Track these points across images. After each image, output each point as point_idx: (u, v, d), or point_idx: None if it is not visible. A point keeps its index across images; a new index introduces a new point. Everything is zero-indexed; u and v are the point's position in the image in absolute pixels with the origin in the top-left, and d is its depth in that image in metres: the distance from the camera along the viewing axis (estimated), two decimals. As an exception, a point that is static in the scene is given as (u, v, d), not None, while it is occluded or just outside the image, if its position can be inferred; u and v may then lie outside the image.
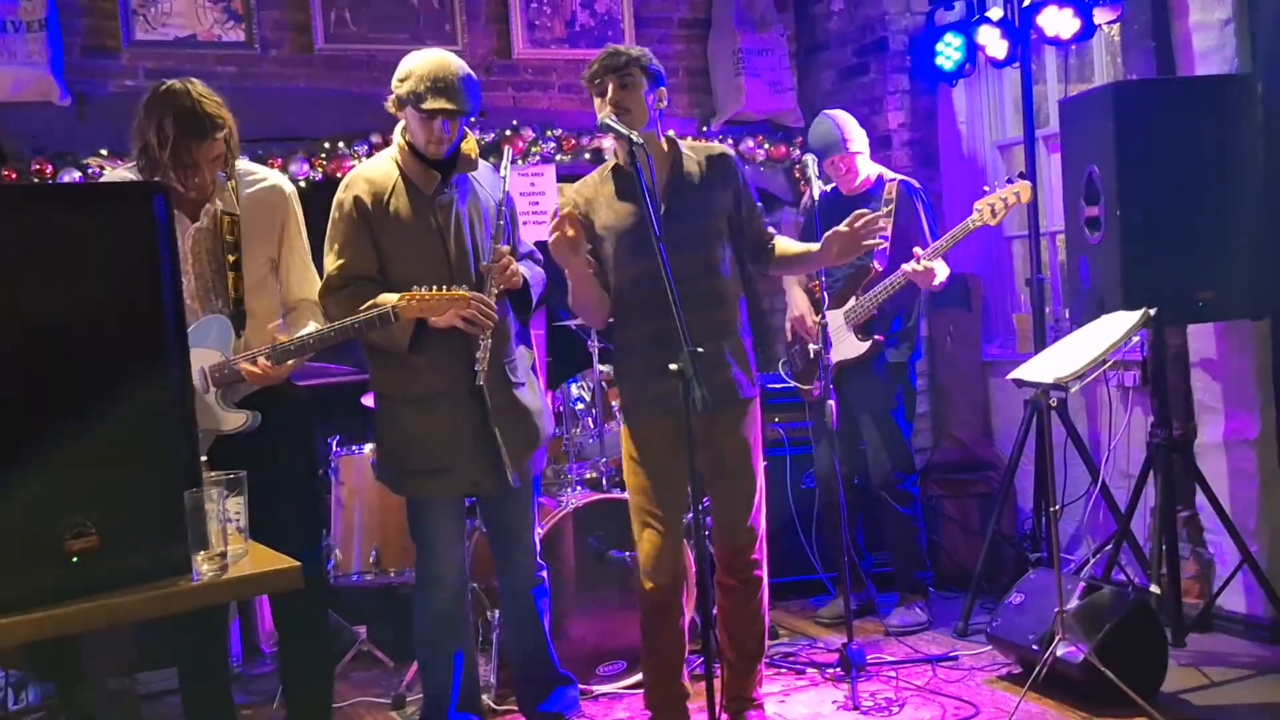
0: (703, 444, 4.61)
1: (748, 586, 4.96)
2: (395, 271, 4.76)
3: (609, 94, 4.72)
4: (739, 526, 4.90)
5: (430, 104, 4.62)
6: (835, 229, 4.86)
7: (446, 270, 4.73)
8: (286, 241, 4.73)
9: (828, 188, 6.59)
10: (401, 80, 4.70)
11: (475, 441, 4.80)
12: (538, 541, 5.16)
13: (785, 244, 5.15)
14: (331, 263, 4.78)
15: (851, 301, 6.42)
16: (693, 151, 4.99)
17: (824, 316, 5.72)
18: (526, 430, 4.95)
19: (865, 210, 4.91)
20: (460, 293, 4.51)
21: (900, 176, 6.63)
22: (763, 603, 5.03)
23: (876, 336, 6.44)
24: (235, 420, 4.41)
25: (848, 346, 6.40)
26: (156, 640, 4.94)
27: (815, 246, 5.01)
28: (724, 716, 4.86)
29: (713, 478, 4.90)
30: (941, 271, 6.28)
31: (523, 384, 4.98)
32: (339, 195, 4.84)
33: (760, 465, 4.96)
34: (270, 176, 4.76)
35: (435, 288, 4.49)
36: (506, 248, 4.79)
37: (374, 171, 4.86)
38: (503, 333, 4.87)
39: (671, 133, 5.01)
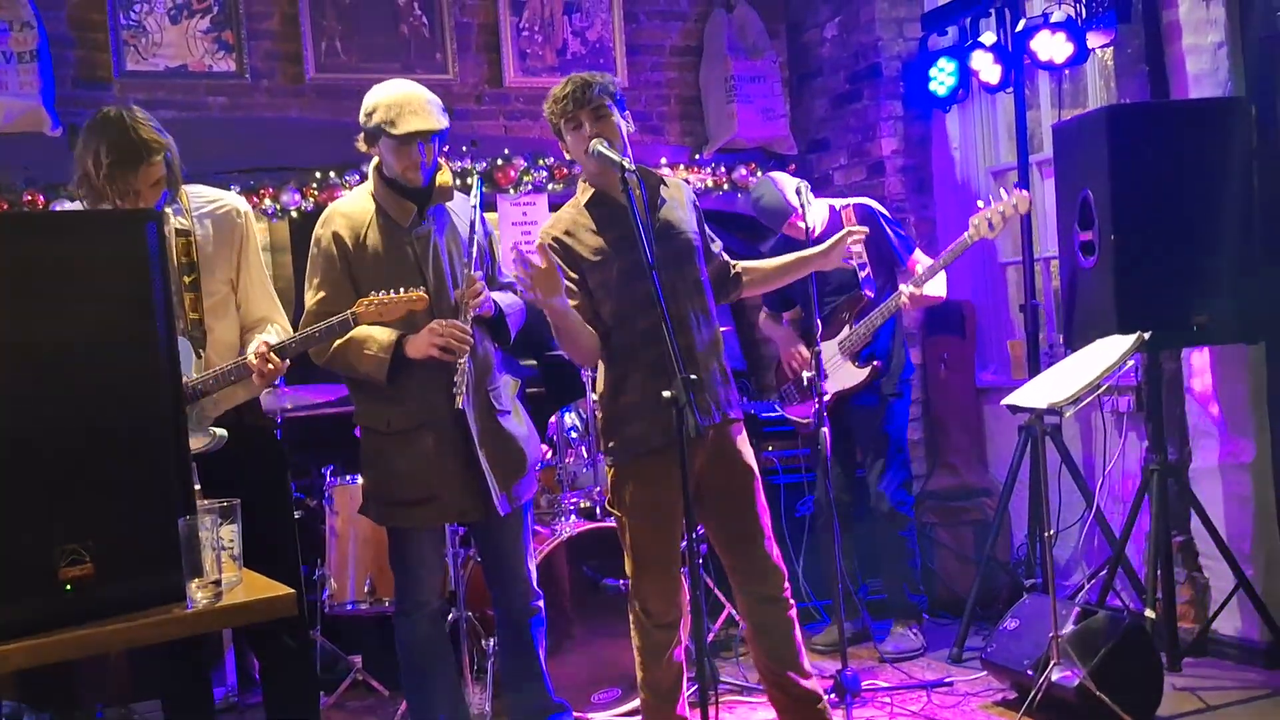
0: (705, 475, 4.65)
1: (786, 608, 4.89)
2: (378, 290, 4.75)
3: (585, 128, 4.69)
4: (759, 561, 4.84)
5: (403, 127, 4.68)
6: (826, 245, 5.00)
7: (426, 289, 4.74)
8: (244, 261, 4.72)
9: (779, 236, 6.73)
10: (370, 114, 4.77)
11: (461, 470, 4.82)
12: (533, 570, 5.17)
13: (756, 263, 5.20)
14: (311, 298, 4.84)
15: (845, 330, 6.45)
16: (653, 174, 4.97)
17: (818, 346, 5.75)
18: (512, 456, 4.97)
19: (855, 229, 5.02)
20: (418, 294, 4.54)
21: (852, 201, 6.67)
22: (798, 639, 4.94)
23: (876, 363, 6.47)
24: (200, 441, 4.36)
25: (845, 374, 6.43)
26: (152, 669, 4.94)
27: (790, 258, 5.13)
28: None
29: (720, 514, 4.85)
30: (937, 288, 6.33)
31: (507, 411, 5.01)
32: (317, 231, 4.90)
33: (761, 490, 4.92)
34: (225, 198, 4.75)
35: (391, 291, 4.52)
36: (478, 274, 4.82)
37: (350, 207, 4.93)
38: (484, 361, 4.92)
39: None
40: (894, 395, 6.61)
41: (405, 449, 4.84)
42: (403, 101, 4.74)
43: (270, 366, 4.41)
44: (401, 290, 4.53)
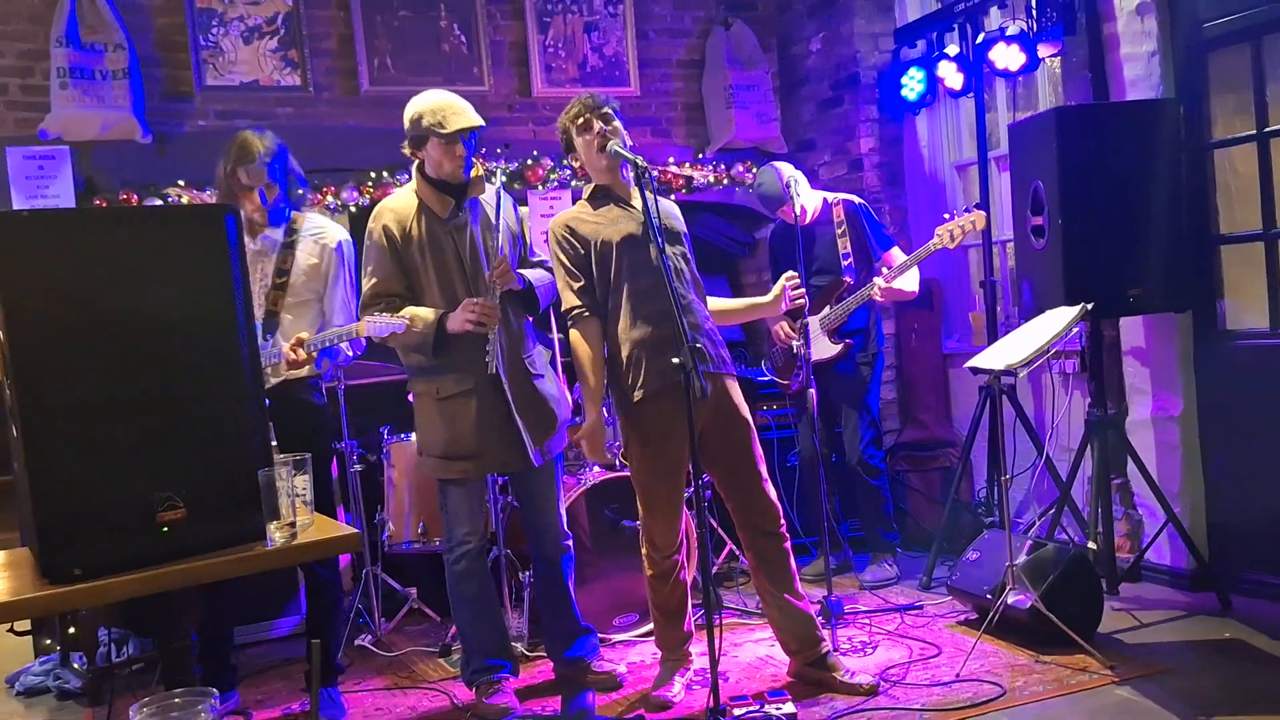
0: (708, 429, 4.73)
1: (780, 557, 4.98)
2: (419, 286, 4.88)
3: (594, 127, 4.80)
4: (757, 500, 4.93)
5: (452, 125, 4.74)
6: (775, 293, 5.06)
7: (463, 281, 4.84)
8: (332, 281, 5.07)
9: (776, 220, 6.75)
10: (416, 120, 4.80)
11: (501, 428, 4.86)
12: (563, 514, 5.21)
13: (716, 302, 5.18)
14: (366, 283, 4.91)
15: (826, 310, 6.47)
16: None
17: (806, 319, 5.78)
18: (545, 415, 5.00)
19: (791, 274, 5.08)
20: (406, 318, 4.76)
21: (842, 196, 6.69)
22: (793, 567, 5.03)
23: (848, 340, 6.50)
24: None
25: (823, 347, 6.45)
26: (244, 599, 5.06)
27: (742, 304, 5.37)
28: (800, 667, 5.08)
29: (723, 462, 4.93)
30: (909, 284, 6.36)
31: (541, 375, 5.04)
32: (370, 225, 4.94)
33: (756, 438, 4.97)
34: (329, 229, 5.15)
35: (389, 315, 4.75)
36: (504, 255, 4.85)
37: (397, 203, 4.96)
38: (517, 332, 4.96)
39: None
40: (867, 365, 6.64)
41: (452, 413, 4.88)
42: (445, 105, 4.79)
43: (296, 356, 4.78)
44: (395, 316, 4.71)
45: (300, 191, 5.10)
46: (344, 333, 4.83)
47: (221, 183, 4.95)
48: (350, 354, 5.10)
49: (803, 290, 5.09)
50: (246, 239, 4.57)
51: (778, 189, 6.39)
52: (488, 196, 5.02)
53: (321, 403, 5.17)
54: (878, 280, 6.29)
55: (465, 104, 4.84)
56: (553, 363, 5.29)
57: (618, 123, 4.85)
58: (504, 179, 7.25)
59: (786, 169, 6.46)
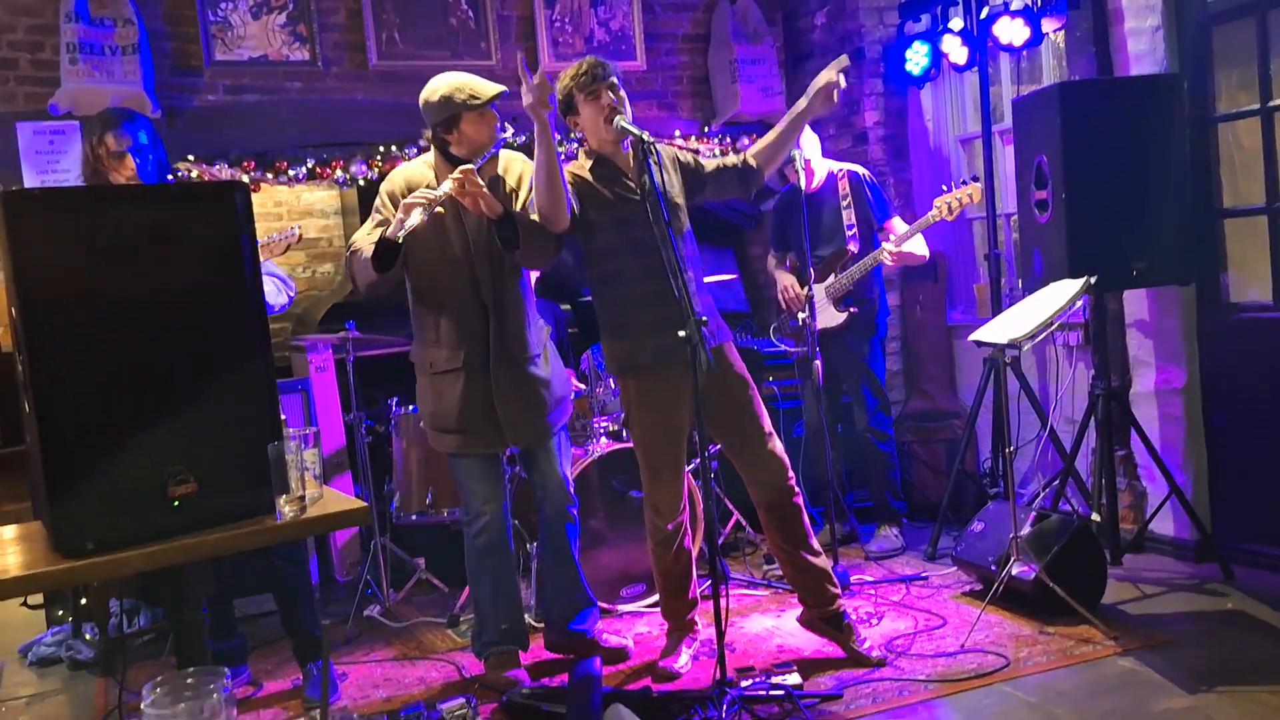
0: (708, 393, 4.59)
1: (792, 513, 4.97)
2: (421, 247, 4.73)
3: (602, 98, 4.75)
4: (765, 457, 4.91)
5: (486, 94, 4.69)
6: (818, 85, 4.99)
7: (467, 246, 4.77)
8: None
9: (784, 186, 6.70)
10: (445, 100, 4.71)
11: (484, 410, 4.83)
12: (570, 481, 5.17)
13: (758, 143, 5.14)
14: (367, 227, 4.81)
15: (831, 278, 6.45)
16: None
17: (811, 288, 5.77)
18: (534, 399, 4.90)
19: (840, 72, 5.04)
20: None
21: (847, 167, 6.67)
22: (806, 523, 5.02)
23: (852, 309, 6.48)
24: None
25: (828, 316, 6.44)
26: (253, 571, 5.03)
27: (786, 118, 5.07)
28: (817, 624, 5.12)
29: (726, 424, 4.92)
30: (919, 248, 6.34)
31: (536, 355, 4.94)
32: (383, 187, 4.88)
33: (757, 396, 4.97)
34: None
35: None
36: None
37: (411, 171, 4.91)
38: (514, 311, 4.87)
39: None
40: (872, 334, 6.63)
41: (441, 388, 4.88)
42: (466, 80, 4.74)
43: None
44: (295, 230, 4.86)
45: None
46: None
47: (89, 161, 4.79)
48: (285, 300, 5.06)
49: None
50: None
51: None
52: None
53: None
54: (886, 245, 6.28)
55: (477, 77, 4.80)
56: (554, 338, 5.23)
57: (623, 93, 4.82)
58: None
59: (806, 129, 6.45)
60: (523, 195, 4.87)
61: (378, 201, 4.86)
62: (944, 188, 6.18)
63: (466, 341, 4.80)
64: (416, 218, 4.46)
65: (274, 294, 5.00)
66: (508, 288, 4.86)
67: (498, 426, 4.85)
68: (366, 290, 4.75)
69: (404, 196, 4.66)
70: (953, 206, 6.08)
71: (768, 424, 4.95)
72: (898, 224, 6.49)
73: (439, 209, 4.58)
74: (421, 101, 4.79)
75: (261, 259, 4.63)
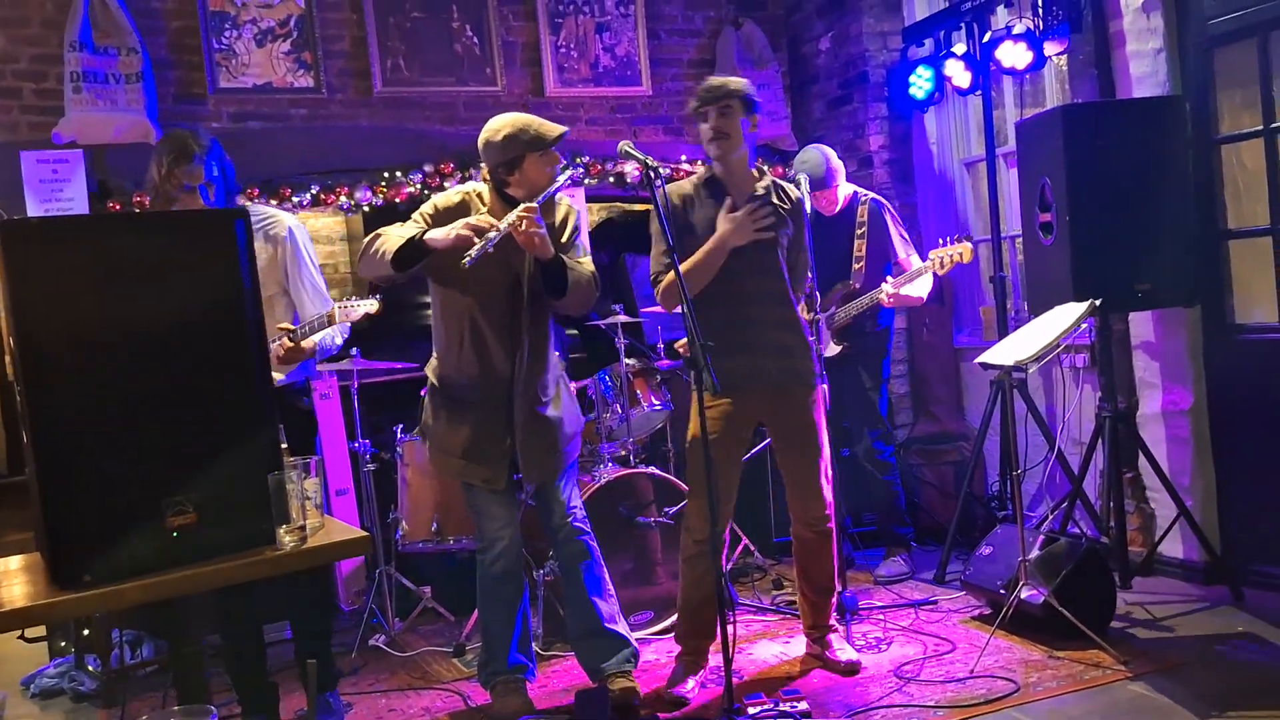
0: (774, 420, 5.04)
1: (820, 537, 5.10)
2: (468, 274, 4.46)
3: (710, 120, 4.87)
4: (811, 491, 5.02)
5: (552, 134, 4.64)
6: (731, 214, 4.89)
7: (517, 286, 4.68)
8: (292, 273, 4.82)
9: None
10: (510, 139, 4.60)
11: (494, 445, 4.76)
12: (575, 507, 5.01)
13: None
14: (404, 227, 4.67)
15: (833, 309, 6.43)
16: (774, 180, 5.14)
17: (818, 313, 5.74)
18: (545, 440, 4.82)
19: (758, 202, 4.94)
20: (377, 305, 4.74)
21: (870, 195, 6.62)
22: (834, 551, 5.16)
23: (845, 344, 6.47)
24: None
25: (827, 347, 6.40)
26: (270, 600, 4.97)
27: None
28: (807, 640, 5.27)
29: (784, 454, 5.09)
30: (918, 290, 6.31)
31: (549, 398, 4.85)
32: (435, 198, 4.79)
33: (822, 437, 5.04)
34: (278, 218, 4.87)
35: (358, 300, 4.70)
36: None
37: (452, 198, 4.78)
38: (539, 353, 4.80)
39: (760, 162, 5.09)
40: (878, 363, 6.63)
41: (456, 414, 4.80)
42: (530, 120, 4.68)
43: (287, 347, 4.60)
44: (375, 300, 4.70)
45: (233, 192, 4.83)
46: (325, 317, 4.71)
47: (156, 187, 4.63)
48: (339, 342, 4.94)
49: (773, 219, 4.96)
50: None
51: (822, 172, 6.31)
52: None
53: (310, 407, 5.10)
54: (885, 287, 6.25)
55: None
56: (565, 373, 5.15)
57: (739, 113, 4.91)
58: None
59: (834, 155, 6.43)
60: (564, 237, 4.80)
61: (425, 208, 4.74)
62: (940, 240, 6.18)
63: (488, 375, 4.73)
64: (484, 250, 4.37)
65: (332, 336, 4.89)
66: (541, 330, 4.81)
67: (504, 461, 4.78)
68: (367, 276, 4.74)
69: (447, 220, 4.57)
70: (944, 262, 6.12)
71: (824, 464, 5.04)
72: (914, 260, 6.46)
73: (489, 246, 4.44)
74: (482, 142, 4.68)
75: (339, 320, 4.72)
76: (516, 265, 4.68)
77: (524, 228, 4.42)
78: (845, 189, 6.56)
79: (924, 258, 6.31)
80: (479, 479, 4.82)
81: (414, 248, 4.50)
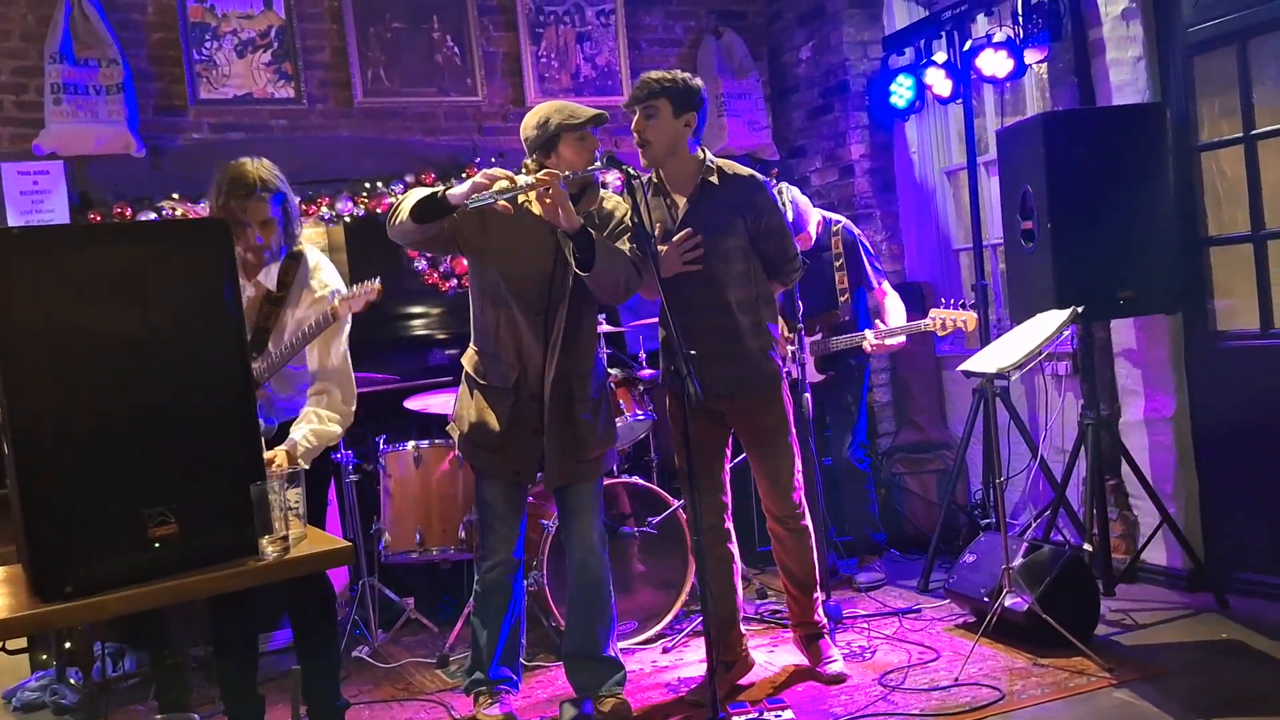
0: (735, 423, 5.04)
1: (795, 534, 5.09)
2: (506, 254, 4.56)
3: (633, 123, 4.83)
4: (779, 489, 5.02)
5: (583, 115, 4.59)
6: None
7: (554, 261, 4.59)
8: (330, 337, 4.53)
9: None
10: (543, 123, 4.59)
11: (526, 439, 4.70)
12: (598, 536, 4.89)
13: None
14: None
15: (818, 336, 6.42)
16: (722, 170, 5.03)
17: (801, 321, 5.73)
18: (575, 440, 4.73)
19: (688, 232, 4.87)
20: (377, 286, 4.49)
21: (841, 221, 6.58)
22: (811, 547, 5.13)
23: (830, 372, 6.51)
24: None
25: (809, 371, 6.38)
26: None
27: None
28: (796, 641, 5.30)
29: (753, 451, 5.08)
30: (898, 340, 6.31)
31: (593, 400, 4.80)
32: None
33: (789, 432, 5.04)
34: (336, 286, 4.60)
35: (367, 282, 4.48)
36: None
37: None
38: (583, 345, 4.77)
39: (701, 152, 4.99)
40: (858, 385, 6.68)
41: (488, 403, 4.73)
42: (564, 104, 4.67)
43: (283, 466, 4.21)
44: (375, 281, 4.49)
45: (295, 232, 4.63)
46: (328, 314, 4.45)
47: (215, 215, 4.49)
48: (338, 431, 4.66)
49: (700, 252, 4.90)
50: (242, 282, 4.28)
51: (792, 217, 6.25)
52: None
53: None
54: (869, 334, 6.28)
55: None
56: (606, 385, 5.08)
57: (665, 113, 4.82)
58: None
59: (799, 194, 6.38)
60: (610, 228, 4.72)
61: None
62: (942, 300, 6.25)
63: (521, 365, 4.67)
64: (492, 197, 4.26)
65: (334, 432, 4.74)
66: (583, 317, 4.74)
67: (534, 456, 4.73)
68: (394, 236, 4.59)
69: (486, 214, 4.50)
70: (946, 325, 6.14)
71: (790, 461, 5.03)
72: (888, 290, 6.53)
73: (503, 204, 4.33)
74: (522, 135, 4.69)
75: (342, 315, 4.48)
76: (555, 253, 4.61)
77: (547, 189, 4.35)
78: (815, 217, 6.50)
79: (908, 274, 6.32)
80: (508, 472, 4.76)
81: (434, 200, 4.42)
